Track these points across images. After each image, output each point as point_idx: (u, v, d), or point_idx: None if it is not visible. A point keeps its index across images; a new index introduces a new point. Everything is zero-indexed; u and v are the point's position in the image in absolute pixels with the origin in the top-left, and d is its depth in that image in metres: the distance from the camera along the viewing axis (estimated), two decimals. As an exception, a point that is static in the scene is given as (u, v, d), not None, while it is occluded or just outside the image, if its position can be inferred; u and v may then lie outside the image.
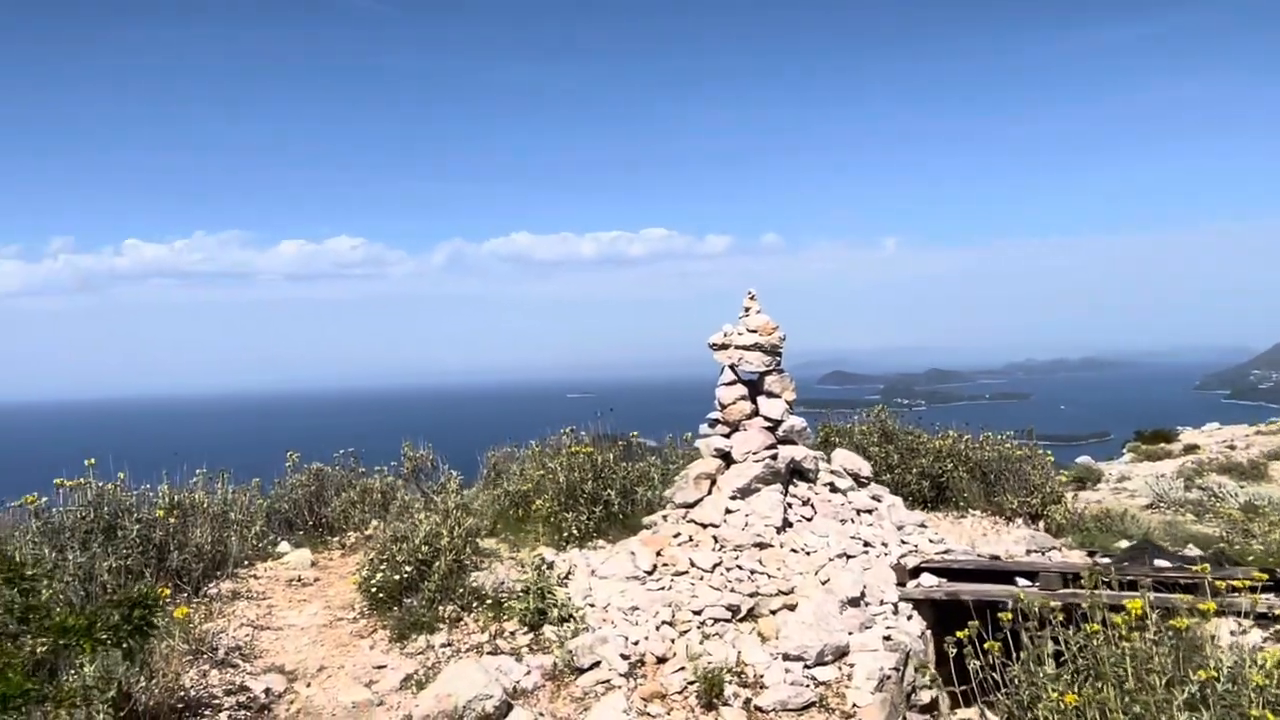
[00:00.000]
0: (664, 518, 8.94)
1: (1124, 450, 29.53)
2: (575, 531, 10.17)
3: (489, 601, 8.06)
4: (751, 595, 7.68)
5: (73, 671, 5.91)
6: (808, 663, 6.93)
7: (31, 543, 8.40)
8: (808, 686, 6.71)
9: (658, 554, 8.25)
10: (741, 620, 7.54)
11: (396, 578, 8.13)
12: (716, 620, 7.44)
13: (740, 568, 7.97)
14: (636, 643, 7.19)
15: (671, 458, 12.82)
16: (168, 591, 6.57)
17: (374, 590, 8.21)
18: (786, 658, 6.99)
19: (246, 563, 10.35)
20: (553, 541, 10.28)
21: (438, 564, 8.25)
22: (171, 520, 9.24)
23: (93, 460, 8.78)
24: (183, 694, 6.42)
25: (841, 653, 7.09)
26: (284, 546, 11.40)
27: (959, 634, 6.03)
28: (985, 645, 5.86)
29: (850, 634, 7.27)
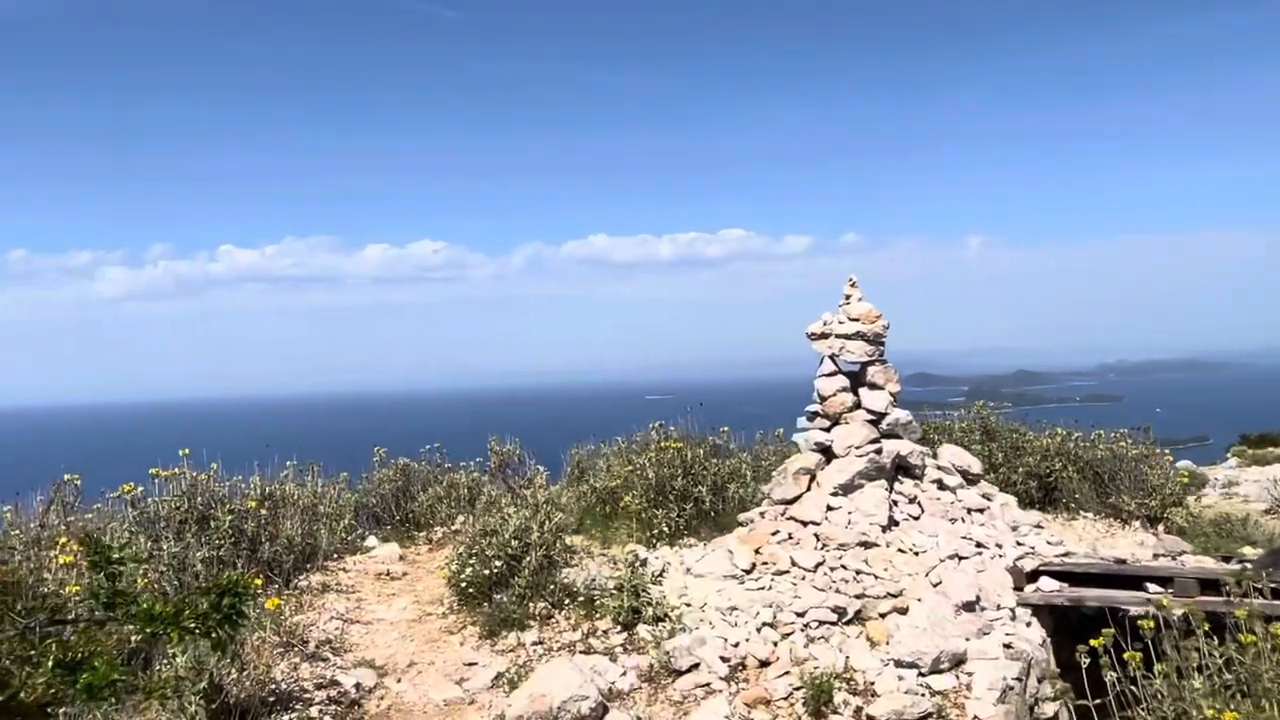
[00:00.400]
0: (761, 514, 8.54)
1: (1228, 454, 27.94)
2: (665, 529, 9.87)
3: (581, 599, 7.79)
4: (858, 597, 7.24)
5: (165, 662, 5.82)
6: (922, 670, 6.47)
7: (128, 531, 8.45)
8: (923, 696, 6.26)
9: (756, 552, 7.87)
10: (848, 623, 7.11)
11: (486, 572, 7.91)
12: (821, 623, 7.02)
13: (844, 567, 7.54)
14: (737, 645, 6.82)
15: (762, 454, 12.41)
16: (260, 581, 6.45)
17: (463, 585, 8.02)
18: (899, 664, 6.54)
19: (335, 556, 10.30)
20: (642, 539, 9.99)
21: (528, 559, 8.01)
22: (263, 512, 9.22)
23: (186, 451, 8.81)
24: (274, 687, 6.29)
25: (958, 660, 6.61)
26: (371, 540, 11.37)
27: (1094, 642, 5.52)
28: (1124, 655, 5.34)
29: (967, 640, 6.78)
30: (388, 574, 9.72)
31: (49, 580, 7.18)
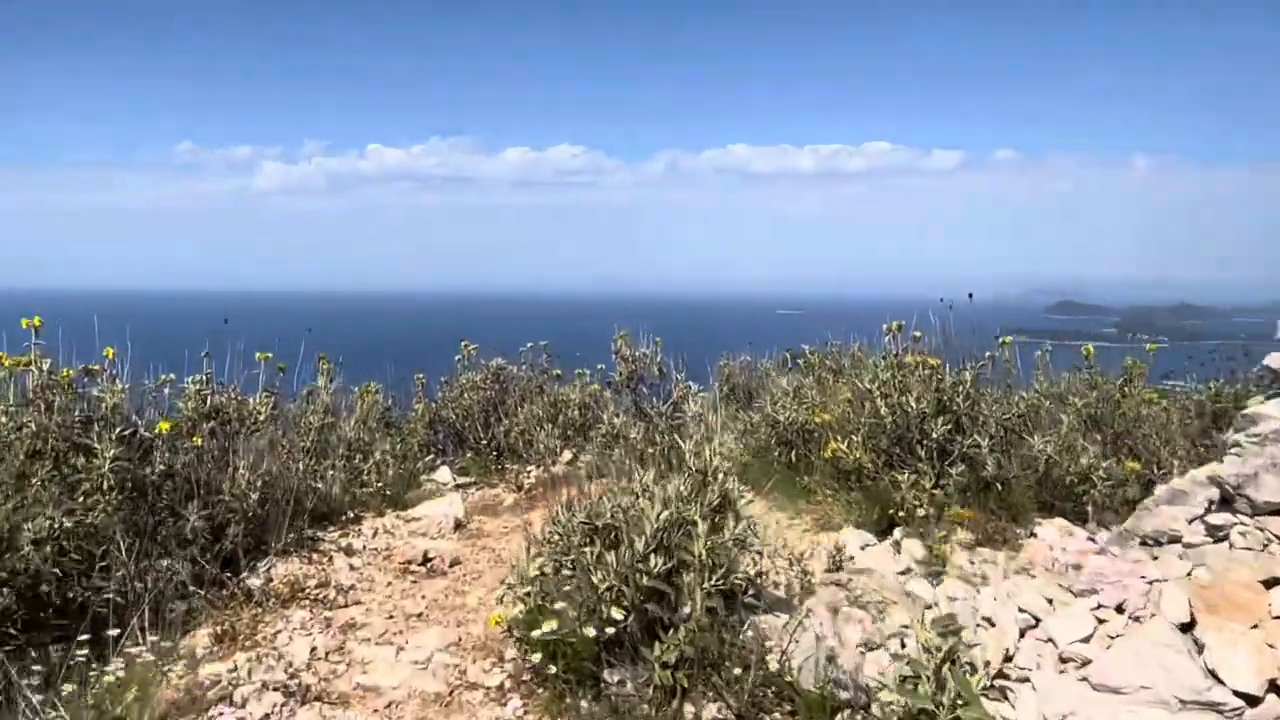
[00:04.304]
0: (1207, 522, 3.74)
1: None
2: (915, 506, 5.37)
3: (814, 701, 3.29)
4: None
5: None
6: None
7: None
8: None
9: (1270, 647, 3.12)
10: None
11: (591, 632, 3.46)
12: None
13: None
14: None
15: (1071, 388, 7.50)
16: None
17: (540, 653, 3.60)
18: None
19: (352, 513, 6.17)
20: (863, 517, 5.59)
21: (687, 599, 3.54)
22: (198, 442, 5.04)
23: (38, 321, 4.58)
24: None
25: None
26: (443, 474, 7.48)
27: None
28: None
29: None
30: (425, 559, 5.45)
31: None
